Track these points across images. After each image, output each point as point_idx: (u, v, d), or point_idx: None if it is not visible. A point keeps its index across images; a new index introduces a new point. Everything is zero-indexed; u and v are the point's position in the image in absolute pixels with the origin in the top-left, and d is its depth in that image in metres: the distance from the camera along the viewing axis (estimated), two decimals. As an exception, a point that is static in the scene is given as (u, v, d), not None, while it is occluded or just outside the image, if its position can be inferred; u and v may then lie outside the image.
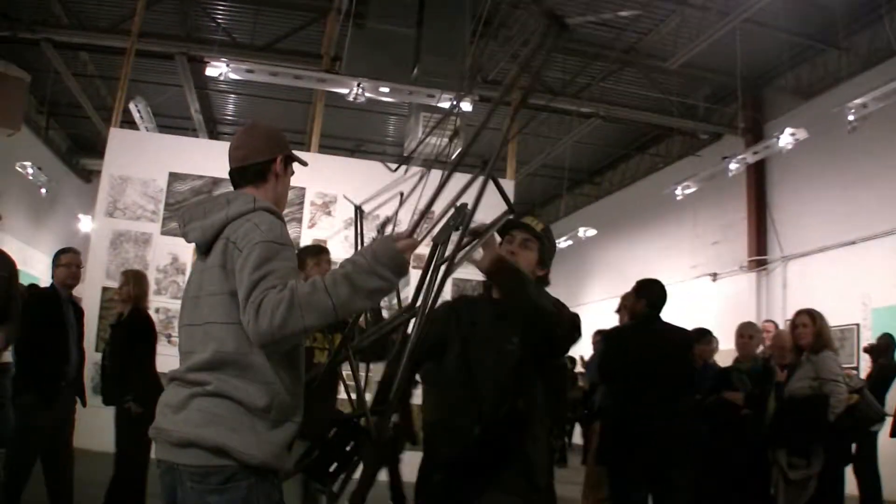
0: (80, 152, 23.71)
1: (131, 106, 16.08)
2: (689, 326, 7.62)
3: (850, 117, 12.12)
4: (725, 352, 9.32)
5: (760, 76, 17.24)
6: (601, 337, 9.23)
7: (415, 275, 3.17)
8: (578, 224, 21.43)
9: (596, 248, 23.21)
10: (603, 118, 17.77)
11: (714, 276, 18.46)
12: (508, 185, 13.68)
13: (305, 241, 12.41)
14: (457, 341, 3.84)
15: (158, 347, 7.57)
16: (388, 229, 3.71)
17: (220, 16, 16.27)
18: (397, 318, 3.40)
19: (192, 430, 2.75)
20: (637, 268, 17.77)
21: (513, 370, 3.68)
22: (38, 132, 20.81)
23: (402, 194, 3.11)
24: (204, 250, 3.02)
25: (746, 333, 8.14)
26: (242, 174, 3.17)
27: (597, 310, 19.99)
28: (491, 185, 3.07)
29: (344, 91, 14.04)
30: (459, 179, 2.99)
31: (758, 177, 17.38)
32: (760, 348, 8.59)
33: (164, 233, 12.21)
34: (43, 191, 19.41)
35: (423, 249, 3.09)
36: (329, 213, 13.13)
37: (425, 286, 3.03)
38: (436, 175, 3.29)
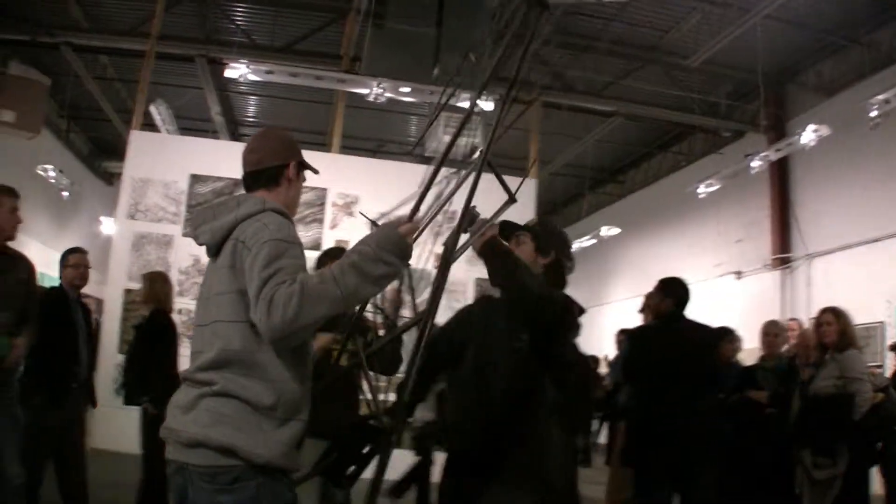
0: (102, 155, 23.83)
1: (152, 108, 16.13)
2: (713, 325, 7.56)
3: (873, 113, 12.03)
4: (750, 350, 9.27)
5: (782, 73, 17.08)
6: (625, 336, 9.18)
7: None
8: (601, 223, 21.37)
9: (619, 247, 23.09)
10: (625, 116, 17.73)
11: (739, 274, 18.34)
12: (530, 184, 13.62)
13: (328, 242, 12.45)
14: (473, 343, 3.84)
15: (181, 349, 7.54)
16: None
17: (240, 18, 16.29)
18: (409, 323, 3.44)
19: (201, 431, 2.77)
20: (660, 266, 17.65)
21: (521, 368, 3.68)
22: (60, 135, 20.89)
23: (421, 197, 3.11)
24: (214, 252, 3.07)
25: (772, 332, 8.10)
26: (255, 178, 3.22)
27: (620, 309, 19.95)
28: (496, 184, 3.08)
29: (364, 91, 14.04)
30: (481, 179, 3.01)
31: (781, 174, 17.24)
32: (785, 347, 8.53)
33: (185, 234, 12.25)
34: (65, 194, 19.49)
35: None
36: (351, 214, 13.12)
37: (433, 289, 3.12)
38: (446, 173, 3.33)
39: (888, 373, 11.04)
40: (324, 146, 16.31)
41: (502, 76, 3.53)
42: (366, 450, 3.16)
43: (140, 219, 12.62)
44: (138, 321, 7.80)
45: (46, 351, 6.16)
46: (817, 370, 7.22)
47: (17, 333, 5.74)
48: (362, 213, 4.30)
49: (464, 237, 3.45)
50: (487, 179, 3.17)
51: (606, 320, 20.09)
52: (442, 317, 3.63)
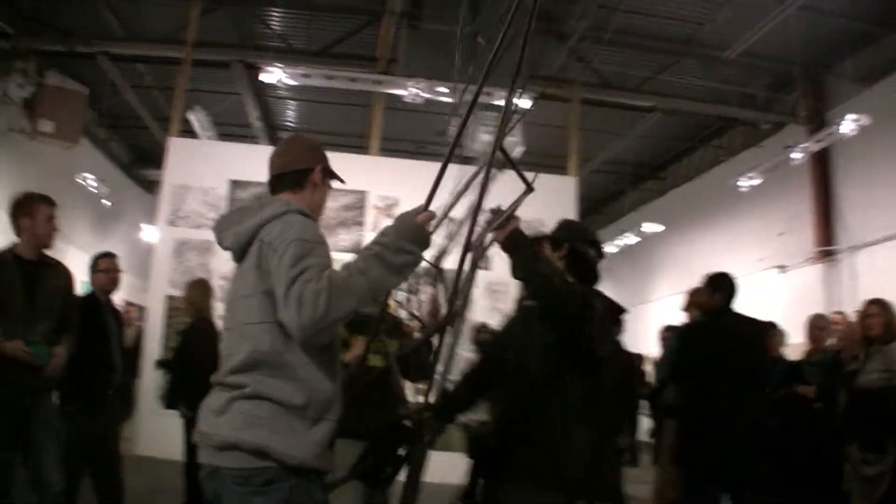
0: (141, 163, 23.95)
1: (190, 115, 16.22)
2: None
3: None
4: (794, 345, 9.17)
5: (820, 63, 16.84)
6: (671, 333, 9.12)
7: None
8: (643, 220, 21.27)
9: (662, 244, 22.92)
10: (663, 111, 17.60)
11: (783, 268, 18.15)
12: (571, 183, 13.69)
13: (369, 244, 12.43)
14: (513, 347, 3.87)
15: (222, 354, 7.58)
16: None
17: (275, 22, 16.33)
18: (433, 329, 3.48)
19: (233, 433, 2.79)
20: (703, 262, 17.44)
21: (544, 365, 3.70)
22: (99, 144, 21.11)
23: (432, 191, 3.11)
24: (239, 256, 3.12)
25: (818, 325, 8.03)
26: (281, 181, 3.29)
27: (663, 306, 19.80)
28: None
29: (401, 92, 14.04)
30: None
31: (822, 166, 16.99)
32: (830, 341, 8.43)
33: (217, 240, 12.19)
34: (105, 202, 19.65)
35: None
36: (391, 217, 13.08)
37: (450, 294, 3.26)
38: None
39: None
40: (363, 149, 16.30)
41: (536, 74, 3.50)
42: (401, 451, 3.18)
43: (181, 225, 12.71)
44: (182, 327, 7.84)
45: (80, 358, 6.14)
46: (863, 363, 7.13)
47: (56, 342, 5.76)
48: None
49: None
50: (513, 175, 3.15)
51: (651, 318, 19.97)
52: (485, 318, 3.67)
